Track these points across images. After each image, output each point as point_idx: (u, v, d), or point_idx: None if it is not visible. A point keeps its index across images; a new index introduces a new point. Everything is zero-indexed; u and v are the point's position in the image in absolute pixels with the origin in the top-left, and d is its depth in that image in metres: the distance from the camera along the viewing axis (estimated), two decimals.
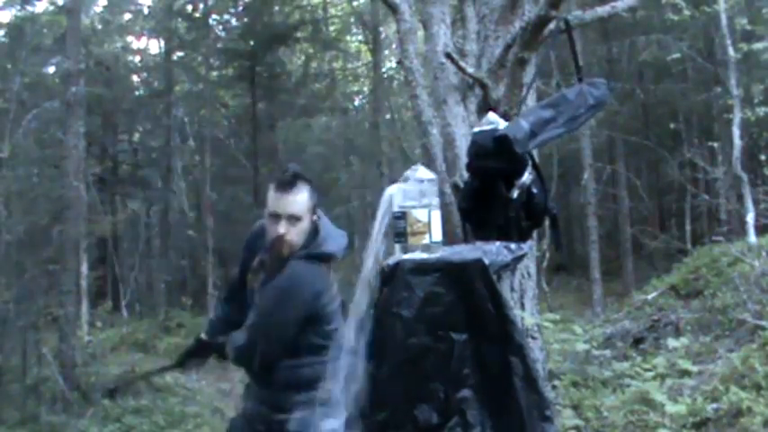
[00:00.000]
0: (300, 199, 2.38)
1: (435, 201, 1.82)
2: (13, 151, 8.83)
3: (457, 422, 1.60)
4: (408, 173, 1.83)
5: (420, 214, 1.77)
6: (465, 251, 1.82)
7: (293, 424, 2.38)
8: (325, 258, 2.45)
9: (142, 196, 19.48)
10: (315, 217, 2.45)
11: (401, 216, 1.77)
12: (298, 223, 2.37)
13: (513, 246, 1.87)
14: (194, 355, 2.68)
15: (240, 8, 17.24)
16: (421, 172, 1.83)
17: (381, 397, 1.66)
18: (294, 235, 2.37)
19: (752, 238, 8.44)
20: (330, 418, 2.33)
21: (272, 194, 2.40)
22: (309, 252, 2.41)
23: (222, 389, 9.58)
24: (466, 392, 1.62)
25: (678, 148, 14.25)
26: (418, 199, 1.79)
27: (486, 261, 1.67)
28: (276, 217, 2.37)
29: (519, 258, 1.90)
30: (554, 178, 11.57)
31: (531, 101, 3.29)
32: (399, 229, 1.77)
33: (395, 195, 1.79)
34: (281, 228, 2.35)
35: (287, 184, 2.38)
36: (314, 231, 2.45)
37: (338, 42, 19.00)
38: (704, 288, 7.15)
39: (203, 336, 2.68)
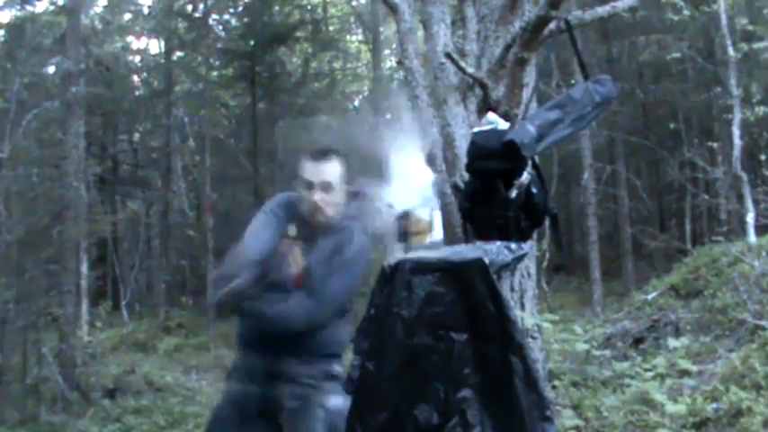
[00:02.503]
0: (333, 168, 2.48)
1: (435, 200, 1.82)
2: (13, 151, 8.81)
3: (457, 422, 1.60)
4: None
5: (422, 213, 1.77)
6: (465, 251, 1.83)
7: (333, 401, 2.34)
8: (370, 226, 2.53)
9: (142, 196, 19.48)
10: (350, 187, 2.53)
11: (403, 215, 1.77)
12: (332, 192, 2.46)
13: (513, 246, 1.88)
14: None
15: (240, 8, 17.24)
16: (424, 171, 1.84)
17: (382, 397, 1.66)
18: (328, 204, 2.45)
19: (752, 238, 8.43)
20: (335, 395, 2.33)
21: (306, 164, 2.49)
22: (359, 217, 2.46)
23: (222, 389, 9.56)
24: (466, 392, 1.62)
25: (678, 148, 14.22)
26: (426, 197, 1.79)
27: (487, 261, 1.67)
28: (310, 185, 2.45)
29: (519, 258, 1.90)
30: (554, 178, 11.58)
31: (532, 102, 3.29)
32: (401, 229, 1.76)
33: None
34: (316, 195, 2.44)
35: (321, 154, 2.50)
36: (355, 198, 2.52)
37: (338, 42, 18.99)
38: (704, 288, 7.14)
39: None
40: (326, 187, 2.45)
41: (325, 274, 2.37)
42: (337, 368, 2.43)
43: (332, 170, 2.48)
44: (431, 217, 1.78)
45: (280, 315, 2.35)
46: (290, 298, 2.36)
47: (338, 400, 2.28)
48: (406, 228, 1.77)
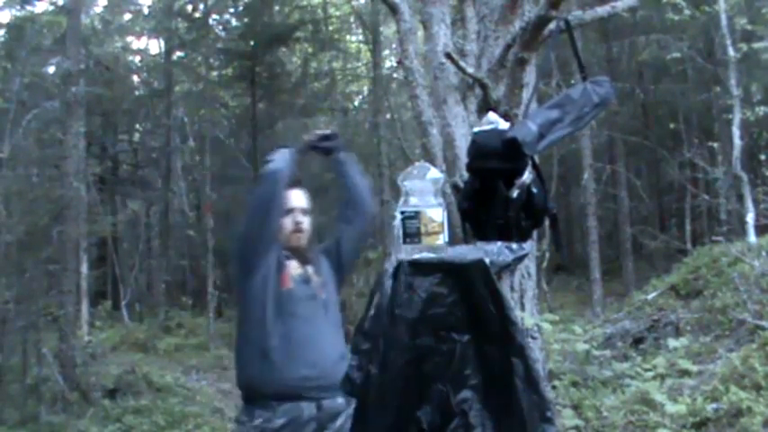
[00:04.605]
0: (304, 196, 2.72)
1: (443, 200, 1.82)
2: (12, 151, 8.81)
3: (459, 423, 1.60)
4: (418, 170, 1.82)
5: (434, 214, 1.76)
6: (466, 252, 1.82)
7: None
8: None
9: (142, 196, 19.48)
10: None
11: (414, 215, 1.75)
12: (307, 216, 2.69)
13: (514, 246, 1.87)
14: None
15: (240, 8, 17.23)
16: (433, 171, 1.83)
17: (385, 400, 1.66)
18: (307, 225, 2.68)
19: (752, 238, 8.43)
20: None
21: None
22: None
23: (222, 389, 9.58)
24: (468, 393, 1.62)
25: (678, 148, 14.23)
26: (434, 197, 1.78)
27: (488, 261, 1.67)
28: (290, 210, 2.64)
29: (520, 258, 1.90)
30: (554, 178, 11.57)
31: (532, 102, 3.29)
32: (412, 230, 1.74)
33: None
34: (299, 217, 2.65)
35: (294, 184, 2.69)
36: None
37: (338, 42, 18.98)
38: (704, 288, 7.14)
39: None
40: (305, 212, 2.68)
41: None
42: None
43: (305, 196, 2.72)
44: (443, 217, 1.77)
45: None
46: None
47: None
48: (417, 228, 1.75)
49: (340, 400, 2.34)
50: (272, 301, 2.42)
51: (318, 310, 2.50)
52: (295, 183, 2.68)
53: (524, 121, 2.26)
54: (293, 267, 2.55)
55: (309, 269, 2.59)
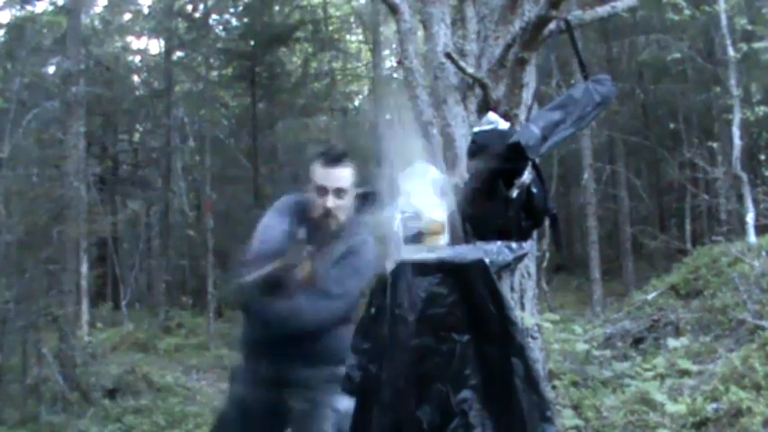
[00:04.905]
0: (346, 174, 2.49)
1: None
2: (12, 151, 8.81)
3: (459, 423, 1.60)
4: (418, 170, 1.81)
5: (436, 214, 1.75)
6: (466, 251, 1.82)
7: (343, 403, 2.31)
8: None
9: (142, 196, 19.48)
10: (357, 191, 2.53)
11: (414, 217, 1.74)
12: (344, 197, 2.46)
13: (514, 245, 1.87)
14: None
15: (240, 8, 17.23)
16: (433, 171, 1.82)
17: (385, 400, 1.66)
18: (340, 209, 2.46)
19: (752, 238, 8.43)
20: (346, 397, 2.33)
21: (319, 169, 2.47)
22: (368, 221, 2.47)
23: (222, 389, 9.57)
24: (467, 393, 1.62)
25: (678, 148, 14.22)
26: (435, 197, 1.77)
27: (488, 261, 1.67)
28: (323, 190, 2.44)
29: (520, 258, 1.90)
30: (554, 178, 11.57)
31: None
32: (413, 230, 1.73)
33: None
34: (329, 201, 2.43)
35: (336, 159, 2.48)
36: (363, 201, 2.52)
37: (338, 42, 18.98)
38: (704, 288, 7.14)
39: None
40: (340, 193, 2.45)
41: (338, 275, 2.38)
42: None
43: (345, 176, 2.48)
44: (443, 218, 1.76)
45: (292, 313, 2.34)
46: (301, 298, 2.35)
47: (348, 403, 2.28)
48: (419, 229, 1.74)
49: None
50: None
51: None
52: (337, 157, 2.46)
53: (527, 124, 2.26)
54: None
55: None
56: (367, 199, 2.50)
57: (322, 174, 2.46)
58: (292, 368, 2.41)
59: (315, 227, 2.46)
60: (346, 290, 2.40)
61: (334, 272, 2.39)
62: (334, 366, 2.39)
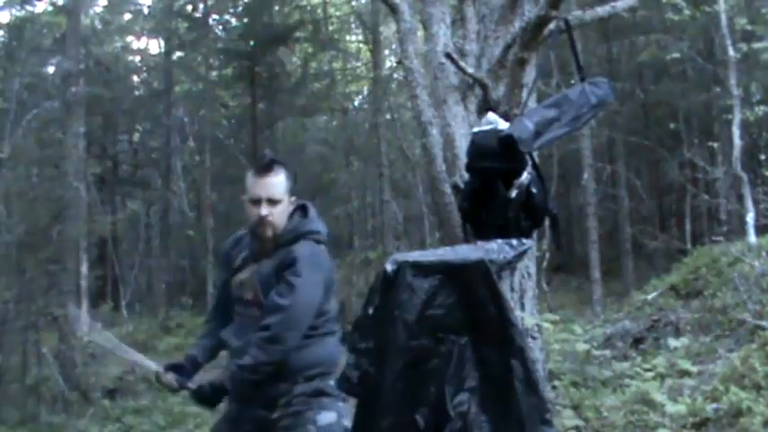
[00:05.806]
0: (278, 181, 2.48)
1: None
2: (13, 151, 8.82)
3: (458, 425, 1.60)
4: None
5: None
6: (466, 252, 1.82)
7: (324, 417, 2.35)
8: (322, 239, 2.52)
9: (142, 196, 19.49)
10: (292, 199, 2.53)
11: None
12: (278, 205, 2.46)
13: (515, 241, 1.87)
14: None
15: (240, 8, 17.23)
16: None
17: (385, 401, 1.65)
18: (276, 216, 2.45)
19: (752, 238, 8.42)
20: (326, 411, 2.36)
21: (251, 180, 2.49)
22: (310, 230, 2.49)
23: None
24: (466, 395, 1.62)
25: (678, 148, 14.22)
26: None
27: (488, 261, 1.66)
28: (257, 201, 2.45)
29: (521, 254, 1.89)
30: (554, 178, 11.58)
31: (531, 101, 3.29)
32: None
33: None
34: (264, 210, 2.43)
35: (265, 168, 2.48)
36: (303, 212, 2.55)
37: (338, 42, 18.98)
38: (704, 288, 7.13)
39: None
40: (272, 201, 2.45)
41: (280, 288, 2.37)
42: (330, 383, 2.41)
43: (276, 183, 2.47)
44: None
45: (250, 370, 2.37)
46: (249, 353, 2.38)
47: (329, 416, 2.33)
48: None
49: None
50: None
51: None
52: (267, 166, 2.48)
53: (520, 118, 2.26)
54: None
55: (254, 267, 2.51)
56: (303, 210, 2.54)
57: (253, 183, 2.48)
58: (273, 385, 2.42)
59: (257, 241, 2.52)
60: (295, 300, 2.34)
61: (278, 284, 2.40)
62: (318, 380, 2.40)
